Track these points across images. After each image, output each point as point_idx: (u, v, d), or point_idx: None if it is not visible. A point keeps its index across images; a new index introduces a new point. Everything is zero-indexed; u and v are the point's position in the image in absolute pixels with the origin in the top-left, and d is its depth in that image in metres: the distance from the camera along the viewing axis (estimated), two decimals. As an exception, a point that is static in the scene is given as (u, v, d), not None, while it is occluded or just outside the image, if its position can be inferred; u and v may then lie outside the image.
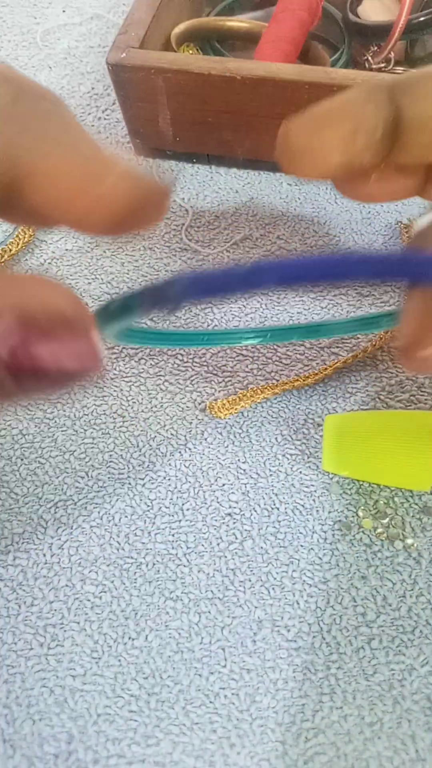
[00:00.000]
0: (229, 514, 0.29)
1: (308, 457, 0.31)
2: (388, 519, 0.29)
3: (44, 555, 0.28)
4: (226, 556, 0.28)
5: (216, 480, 0.30)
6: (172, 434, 0.32)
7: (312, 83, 0.35)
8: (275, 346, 0.34)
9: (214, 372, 0.33)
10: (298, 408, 0.32)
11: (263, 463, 0.31)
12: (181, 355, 0.34)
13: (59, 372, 0.14)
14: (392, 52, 0.42)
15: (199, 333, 0.26)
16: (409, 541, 0.29)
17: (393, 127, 0.17)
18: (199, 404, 0.32)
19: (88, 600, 0.27)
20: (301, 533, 0.29)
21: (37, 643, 0.27)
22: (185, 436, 0.32)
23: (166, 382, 0.33)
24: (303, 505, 0.30)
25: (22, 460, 0.31)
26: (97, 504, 0.30)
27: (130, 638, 0.27)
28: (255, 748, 0.25)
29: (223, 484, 0.30)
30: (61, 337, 0.14)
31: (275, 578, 0.28)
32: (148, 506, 0.30)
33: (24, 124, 0.14)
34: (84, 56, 0.48)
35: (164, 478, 0.30)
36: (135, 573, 0.28)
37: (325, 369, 0.33)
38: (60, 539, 0.29)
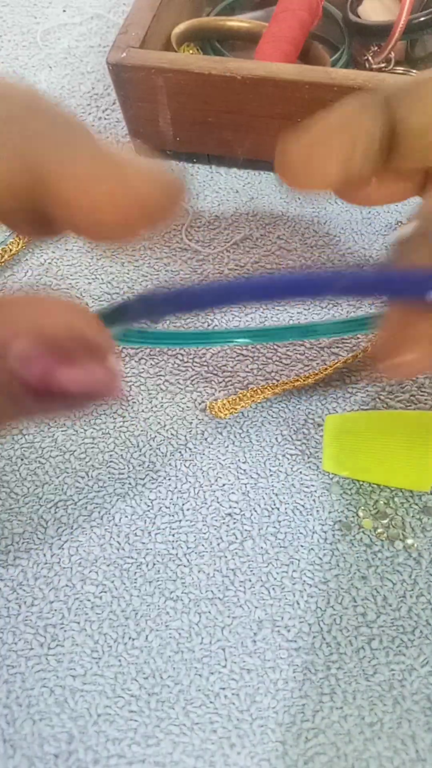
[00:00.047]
0: (230, 514, 0.29)
1: (308, 457, 0.31)
2: (388, 519, 0.29)
3: (44, 555, 0.28)
4: (226, 556, 0.28)
5: (216, 480, 0.30)
6: (172, 434, 0.32)
7: (312, 83, 0.35)
8: (275, 346, 0.34)
9: (215, 372, 0.33)
10: (299, 408, 0.32)
11: (263, 463, 0.31)
12: (181, 355, 0.34)
13: (79, 395, 0.14)
14: (392, 52, 0.42)
15: (189, 333, 0.26)
16: (410, 541, 0.29)
17: (390, 135, 0.17)
18: (200, 404, 0.32)
19: (89, 600, 0.27)
20: (301, 533, 0.29)
21: (37, 643, 0.27)
22: (185, 436, 0.32)
23: (167, 382, 0.33)
24: (303, 506, 0.30)
25: (22, 460, 0.31)
26: (97, 504, 0.30)
27: (130, 638, 0.27)
28: (255, 748, 0.25)
29: (224, 484, 0.30)
30: (82, 361, 0.14)
31: (275, 578, 0.28)
32: (149, 506, 0.30)
33: (41, 130, 0.14)
34: (84, 56, 0.48)
35: (164, 478, 0.30)
36: (135, 573, 0.28)
37: (326, 369, 0.33)
38: (60, 539, 0.29)
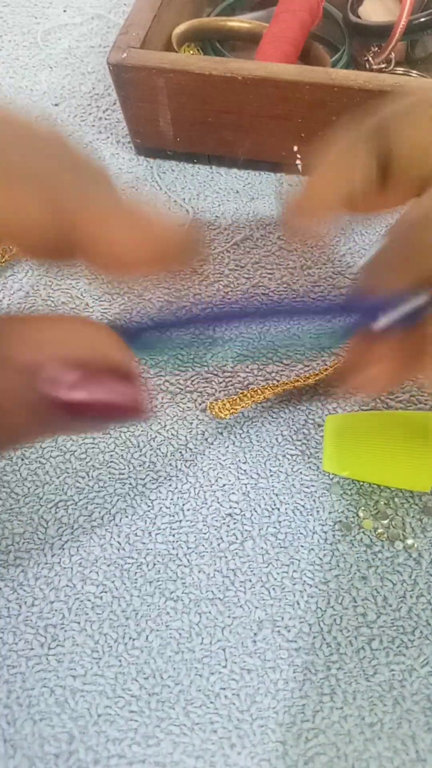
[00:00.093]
0: (230, 515, 0.29)
1: (309, 458, 0.31)
2: (388, 519, 0.29)
3: (45, 555, 0.28)
4: (226, 557, 0.28)
5: (216, 480, 0.30)
6: (172, 434, 0.32)
7: (313, 84, 0.35)
8: (276, 346, 0.34)
9: (215, 372, 0.33)
10: (299, 408, 0.32)
11: (264, 464, 0.31)
12: (181, 355, 0.34)
13: (105, 413, 0.15)
14: (393, 53, 0.43)
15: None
16: (410, 541, 0.29)
17: (386, 158, 0.18)
18: (200, 404, 0.32)
19: (89, 600, 0.27)
20: (301, 534, 0.29)
21: (37, 643, 0.27)
22: (186, 436, 0.32)
23: (167, 382, 0.33)
24: (303, 506, 0.30)
25: (22, 460, 0.31)
26: (97, 504, 0.30)
27: (130, 638, 0.27)
28: (255, 748, 0.25)
29: (224, 485, 0.30)
30: (108, 381, 0.15)
31: (276, 579, 0.28)
32: (149, 506, 0.30)
33: (72, 176, 0.15)
34: (85, 56, 0.48)
35: (165, 478, 0.30)
36: (135, 573, 0.28)
37: (326, 369, 0.33)
38: (60, 539, 0.29)
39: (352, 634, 0.27)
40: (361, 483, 0.30)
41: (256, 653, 0.26)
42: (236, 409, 0.31)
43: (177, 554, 0.28)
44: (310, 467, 0.31)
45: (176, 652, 0.26)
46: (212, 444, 0.31)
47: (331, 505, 0.30)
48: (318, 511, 0.29)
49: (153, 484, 0.30)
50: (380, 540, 0.29)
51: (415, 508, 0.29)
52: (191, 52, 0.44)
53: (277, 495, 0.30)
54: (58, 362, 0.14)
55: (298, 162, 0.40)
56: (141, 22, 0.38)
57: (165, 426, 0.32)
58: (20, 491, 0.30)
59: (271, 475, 0.30)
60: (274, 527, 0.29)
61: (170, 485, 0.30)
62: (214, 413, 0.31)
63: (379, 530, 0.29)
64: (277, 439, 0.31)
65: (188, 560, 0.28)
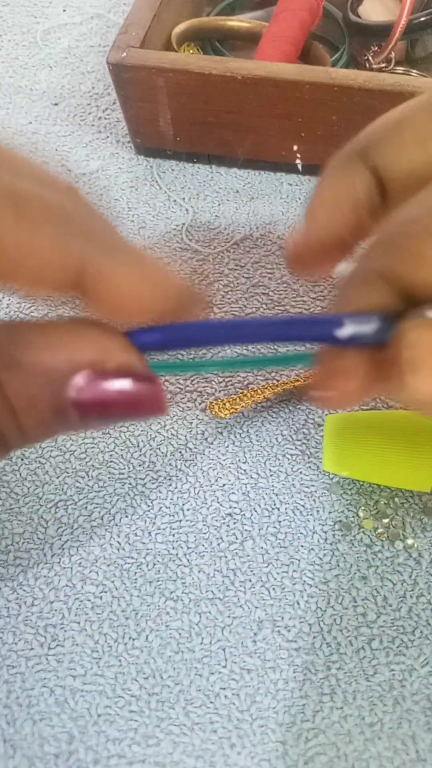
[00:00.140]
0: (230, 514, 0.29)
1: (308, 458, 0.31)
2: (388, 519, 0.29)
3: (44, 555, 0.28)
4: (226, 557, 0.28)
5: (216, 480, 0.30)
6: (172, 434, 0.32)
7: (312, 83, 0.35)
8: (276, 347, 0.34)
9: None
10: (299, 408, 0.32)
11: (263, 463, 0.31)
12: (181, 354, 0.34)
13: (124, 414, 0.16)
14: (393, 52, 0.42)
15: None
16: (410, 541, 0.29)
17: (379, 180, 0.18)
18: (200, 404, 0.32)
19: (89, 600, 0.27)
20: (301, 533, 0.29)
21: (37, 643, 0.27)
22: (185, 436, 0.32)
23: (167, 382, 0.33)
24: (303, 506, 0.30)
25: (22, 460, 0.31)
26: (97, 504, 0.30)
27: (130, 638, 0.27)
28: (255, 748, 0.25)
29: (224, 484, 0.30)
30: (124, 383, 0.15)
31: (276, 578, 0.28)
32: (149, 506, 0.30)
33: (85, 220, 0.15)
34: (84, 56, 0.48)
35: (164, 478, 0.30)
36: (135, 573, 0.28)
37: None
38: (60, 539, 0.29)
39: (352, 634, 0.27)
40: (361, 483, 0.30)
41: (256, 653, 0.26)
42: (236, 409, 0.31)
43: (177, 554, 0.28)
44: (310, 467, 0.31)
45: (176, 651, 0.26)
46: (212, 444, 0.31)
47: (331, 504, 0.30)
48: (318, 511, 0.29)
49: (153, 483, 0.30)
50: (380, 540, 0.29)
51: (415, 507, 0.29)
52: (191, 51, 0.44)
53: (277, 495, 0.30)
54: (70, 365, 0.15)
55: (298, 161, 0.40)
56: (140, 22, 0.38)
57: (165, 426, 0.32)
58: (20, 491, 0.30)
59: (271, 475, 0.30)
60: (274, 527, 0.29)
61: (170, 485, 0.30)
62: (213, 413, 0.31)
63: (379, 530, 0.29)
64: (276, 438, 0.31)
65: (188, 560, 0.28)
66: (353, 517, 0.29)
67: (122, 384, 0.15)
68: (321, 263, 0.20)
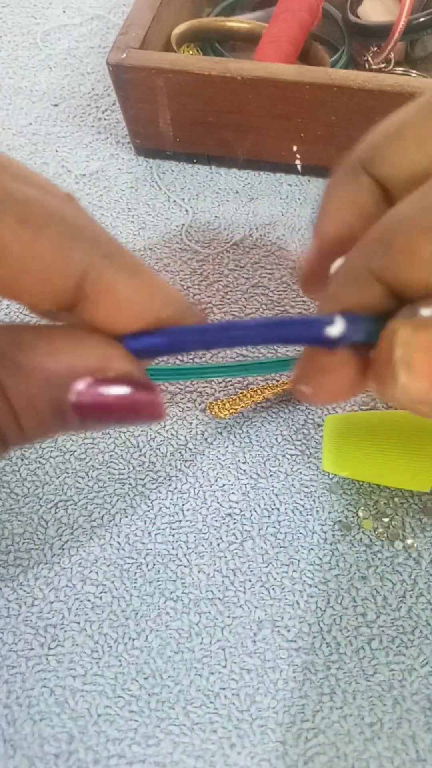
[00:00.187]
0: (230, 515, 0.29)
1: (308, 458, 0.31)
2: (388, 519, 0.29)
3: (45, 555, 0.28)
4: (226, 557, 0.28)
5: (216, 480, 0.30)
6: (172, 434, 0.32)
7: (312, 84, 0.35)
8: (276, 347, 0.34)
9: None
10: (298, 408, 0.32)
11: (263, 464, 0.31)
12: (181, 355, 0.34)
13: (119, 417, 0.16)
14: (392, 53, 0.42)
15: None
16: (409, 541, 0.29)
17: (383, 188, 0.18)
18: (199, 404, 0.32)
19: (89, 600, 0.27)
20: (301, 533, 0.29)
21: (37, 644, 0.27)
22: (185, 436, 0.32)
23: (167, 382, 0.33)
24: (303, 506, 0.30)
25: (22, 460, 0.31)
26: (97, 504, 0.30)
27: (130, 638, 0.27)
28: (255, 748, 0.25)
29: (224, 485, 0.30)
30: (122, 388, 0.16)
31: (275, 578, 0.28)
32: (149, 506, 0.30)
33: (90, 234, 0.16)
34: (84, 57, 0.49)
35: (164, 478, 0.30)
36: (135, 573, 0.28)
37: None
38: (60, 539, 0.29)
39: (352, 634, 0.27)
40: (361, 483, 0.30)
41: (255, 653, 0.26)
42: (236, 409, 0.31)
43: (177, 554, 0.28)
44: (309, 467, 0.31)
45: (176, 652, 0.26)
46: (212, 444, 0.31)
47: (331, 504, 0.30)
48: (318, 511, 0.29)
49: (153, 484, 0.30)
50: (380, 540, 0.29)
51: (414, 507, 0.29)
52: (191, 52, 0.44)
53: (276, 495, 0.30)
54: (72, 371, 0.15)
55: (297, 162, 0.40)
56: (140, 23, 0.38)
57: (165, 426, 0.32)
58: (20, 491, 0.30)
59: (271, 475, 0.30)
60: (274, 527, 0.29)
61: (170, 485, 0.30)
62: (213, 413, 0.31)
63: (379, 530, 0.29)
64: (276, 439, 0.31)
65: (188, 560, 0.28)
66: (353, 517, 0.29)
67: (121, 391, 0.16)
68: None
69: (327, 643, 0.27)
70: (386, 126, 0.18)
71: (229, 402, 0.32)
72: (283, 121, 0.37)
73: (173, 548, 0.29)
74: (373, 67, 0.44)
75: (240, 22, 0.45)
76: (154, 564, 0.28)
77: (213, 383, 0.33)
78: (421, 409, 0.16)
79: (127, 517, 0.29)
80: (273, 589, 0.28)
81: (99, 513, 0.30)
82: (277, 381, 0.33)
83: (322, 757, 0.24)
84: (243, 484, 0.30)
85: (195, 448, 0.31)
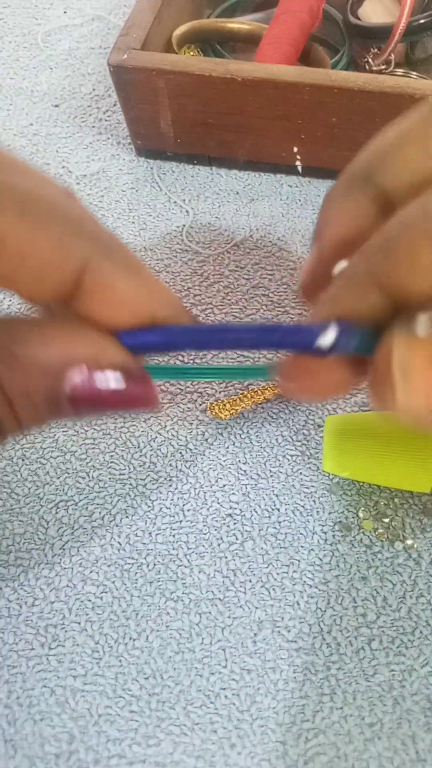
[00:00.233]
0: (230, 515, 0.29)
1: (309, 458, 0.31)
2: (388, 520, 0.29)
3: (45, 555, 0.29)
4: (226, 557, 0.28)
5: (216, 481, 0.30)
6: (172, 435, 0.32)
7: (313, 85, 0.35)
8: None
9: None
10: (299, 409, 0.32)
11: (264, 464, 0.31)
12: (182, 355, 0.34)
13: (112, 406, 0.16)
14: (393, 54, 0.43)
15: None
16: (410, 542, 0.29)
17: (385, 198, 0.18)
18: (200, 405, 0.33)
19: (89, 600, 0.28)
20: (301, 534, 0.29)
21: (38, 644, 0.27)
22: (186, 436, 0.32)
23: (167, 383, 0.33)
24: (303, 506, 0.30)
25: (23, 460, 0.31)
26: (98, 504, 0.30)
27: (131, 639, 0.27)
28: (255, 748, 0.25)
29: (224, 485, 0.30)
30: (115, 379, 0.16)
31: (276, 579, 0.28)
32: (149, 507, 0.30)
33: (90, 229, 0.16)
34: (85, 57, 0.49)
35: (165, 478, 0.30)
36: (136, 573, 0.28)
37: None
38: (61, 539, 0.29)
39: (352, 635, 0.27)
40: (361, 483, 0.30)
41: (256, 653, 0.26)
42: (236, 410, 0.31)
43: (177, 555, 0.29)
44: (310, 468, 0.31)
45: (176, 652, 0.26)
46: (212, 444, 0.31)
47: (331, 505, 0.30)
48: (318, 512, 0.30)
49: (153, 484, 0.30)
50: (380, 540, 0.29)
51: (414, 508, 0.29)
52: (191, 53, 0.44)
53: (277, 495, 0.30)
54: (65, 360, 0.15)
55: (298, 163, 0.40)
56: (141, 24, 0.38)
57: (165, 426, 0.32)
58: (21, 491, 0.30)
59: (271, 476, 0.30)
60: (274, 528, 0.29)
61: (170, 486, 0.30)
62: (214, 414, 0.31)
63: (379, 531, 0.29)
64: (277, 439, 0.31)
65: (188, 561, 0.28)
66: (353, 517, 0.29)
67: (115, 380, 0.16)
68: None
69: (327, 644, 0.27)
70: (388, 135, 0.18)
71: (229, 402, 0.32)
72: (284, 122, 0.37)
73: (174, 548, 0.29)
74: (374, 68, 0.44)
75: (240, 24, 0.46)
76: (155, 564, 0.28)
77: (213, 384, 0.33)
78: (423, 424, 0.16)
79: (127, 517, 0.29)
80: (273, 589, 0.28)
81: (100, 513, 0.30)
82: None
83: (323, 757, 0.25)
84: (243, 484, 0.30)
85: (195, 448, 0.31)
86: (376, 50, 0.44)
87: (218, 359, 0.34)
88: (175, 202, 0.40)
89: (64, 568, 0.28)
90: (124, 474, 0.31)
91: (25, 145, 0.43)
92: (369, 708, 0.25)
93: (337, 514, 0.29)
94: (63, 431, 0.32)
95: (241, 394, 0.32)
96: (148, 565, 0.28)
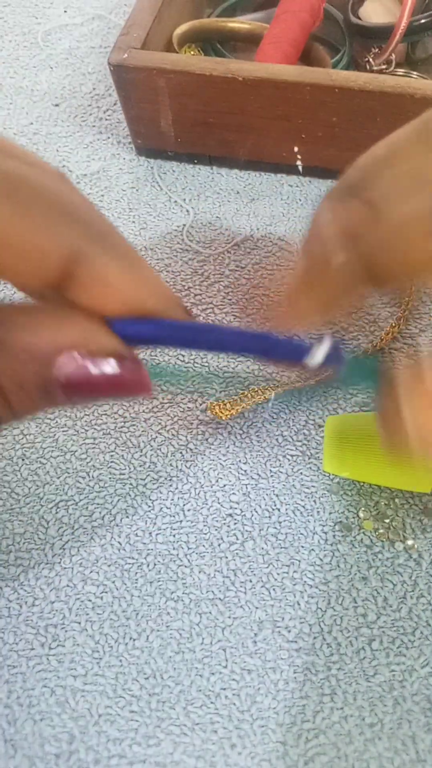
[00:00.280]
0: (230, 515, 0.29)
1: (309, 458, 0.31)
2: (388, 520, 0.29)
3: (45, 555, 0.29)
4: (227, 557, 0.28)
5: (217, 481, 0.30)
6: (173, 435, 0.32)
7: (313, 84, 0.35)
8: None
9: (215, 372, 0.33)
10: (299, 409, 0.32)
11: (264, 464, 0.31)
12: (182, 355, 0.34)
13: (107, 392, 0.16)
14: (393, 54, 0.43)
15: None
16: (410, 542, 0.29)
17: (373, 213, 0.18)
18: (200, 405, 0.32)
19: (90, 600, 0.27)
20: (302, 534, 0.29)
21: (38, 643, 0.27)
22: (186, 436, 0.32)
23: (167, 383, 0.33)
24: (304, 506, 0.30)
25: (23, 460, 0.31)
26: (98, 504, 0.30)
27: (131, 639, 0.27)
28: (256, 748, 0.25)
29: (224, 485, 0.30)
30: (109, 366, 0.16)
31: (276, 579, 0.28)
32: (149, 507, 0.30)
33: (83, 216, 0.16)
34: (85, 57, 0.49)
35: (165, 478, 0.30)
36: (136, 573, 0.28)
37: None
38: (61, 539, 0.29)
39: (353, 635, 0.27)
40: (362, 484, 0.30)
41: (256, 653, 0.26)
42: (236, 410, 0.31)
43: (177, 554, 0.29)
44: (310, 468, 0.31)
45: (177, 652, 0.26)
46: (212, 444, 0.31)
47: (332, 505, 0.30)
48: (318, 512, 0.29)
49: (153, 484, 0.30)
50: (380, 541, 0.29)
51: (415, 508, 0.29)
52: (192, 52, 0.44)
53: (277, 495, 0.30)
54: (54, 346, 0.15)
55: (298, 163, 0.40)
56: (142, 23, 0.38)
57: (165, 426, 0.32)
58: (21, 491, 0.30)
59: (272, 476, 0.30)
60: (275, 528, 0.29)
61: (171, 485, 0.30)
62: (214, 413, 0.31)
63: (380, 531, 0.29)
64: (277, 439, 0.31)
65: (189, 560, 0.28)
66: (353, 518, 0.29)
67: (106, 365, 0.16)
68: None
69: (327, 644, 0.27)
70: (376, 153, 0.18)
71: (230, 402, 0.32)
72: (284, 121, 0.37)
73: (174, 548, 0.29)
74: (374, 68, 0.44)
75: (241, 23, 0.46)
76: (155, 564, 0.28)
77: (214, 384, 0.33)
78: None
79: (128, 517, 0.29)
80: (274, 589, 0.28)
81: (100, 513, 0.30)
82: (278, 381, 0.33)
83: (323, 757, 0.24)
84: (244, 484, 0.30)
85: (196, 448, 0.31)
86: (376, 50, 0.44)
87: (218, 360, 0.34)
88: (175, 201, 0.40)
89: (65, 568, 0.28)
90: (124, 474, 0.31)
91: (25, 144, 0.43)
92: (369, 708, 0.25)
93: (338, 514, 0.29)
94: (63, 431, 0.32)
95: (242, 393, 0.32)
96: (148, 565, 0.28)
